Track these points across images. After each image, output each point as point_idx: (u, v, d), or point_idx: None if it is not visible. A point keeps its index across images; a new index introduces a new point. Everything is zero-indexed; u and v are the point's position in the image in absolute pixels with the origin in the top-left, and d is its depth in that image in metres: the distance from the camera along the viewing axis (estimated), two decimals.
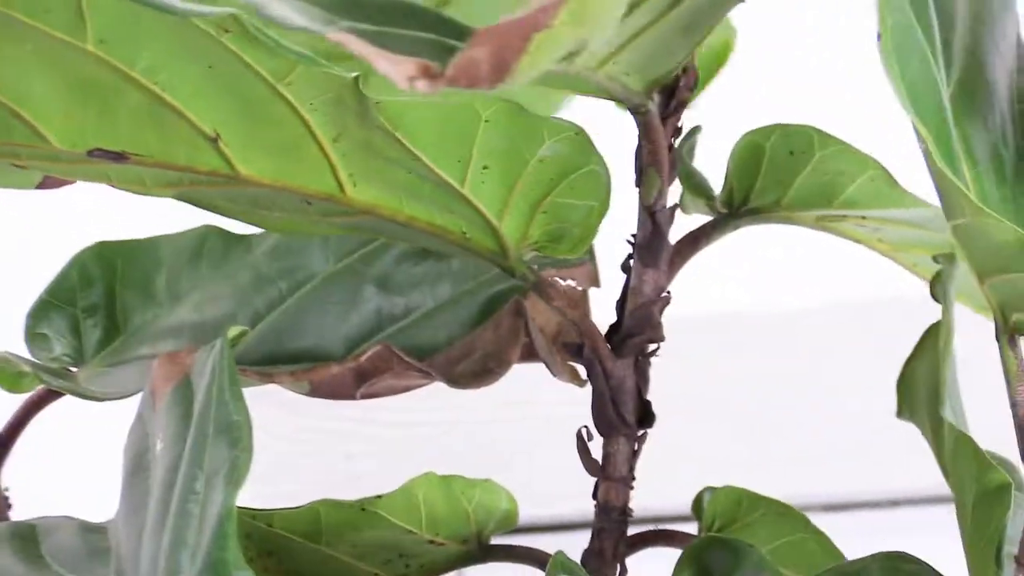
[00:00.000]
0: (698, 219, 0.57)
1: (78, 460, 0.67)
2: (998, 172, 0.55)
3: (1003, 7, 0.57)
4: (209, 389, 0.51)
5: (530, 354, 0.59)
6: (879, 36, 0.49)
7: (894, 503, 0.86)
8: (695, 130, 0.56)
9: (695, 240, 0.57)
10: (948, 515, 0.56)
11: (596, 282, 0.60)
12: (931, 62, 0.53)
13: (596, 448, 0.56)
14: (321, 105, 0.52)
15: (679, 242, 0.56)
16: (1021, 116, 0.57)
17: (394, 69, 0.42)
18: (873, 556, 0.54)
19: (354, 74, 0.51)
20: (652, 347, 0.56)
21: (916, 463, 0.56)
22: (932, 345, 0.55)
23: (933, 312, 0.52)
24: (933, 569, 0.55)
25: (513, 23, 0.42)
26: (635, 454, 0.56)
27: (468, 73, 0.44)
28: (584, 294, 0.59)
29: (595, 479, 0.56)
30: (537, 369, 0.59)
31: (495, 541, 0.59)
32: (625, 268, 0.56)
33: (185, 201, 0.54)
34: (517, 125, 0.54)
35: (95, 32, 0.50)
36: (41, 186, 0.57)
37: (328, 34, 0.48)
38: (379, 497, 0.58)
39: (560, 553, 0.55)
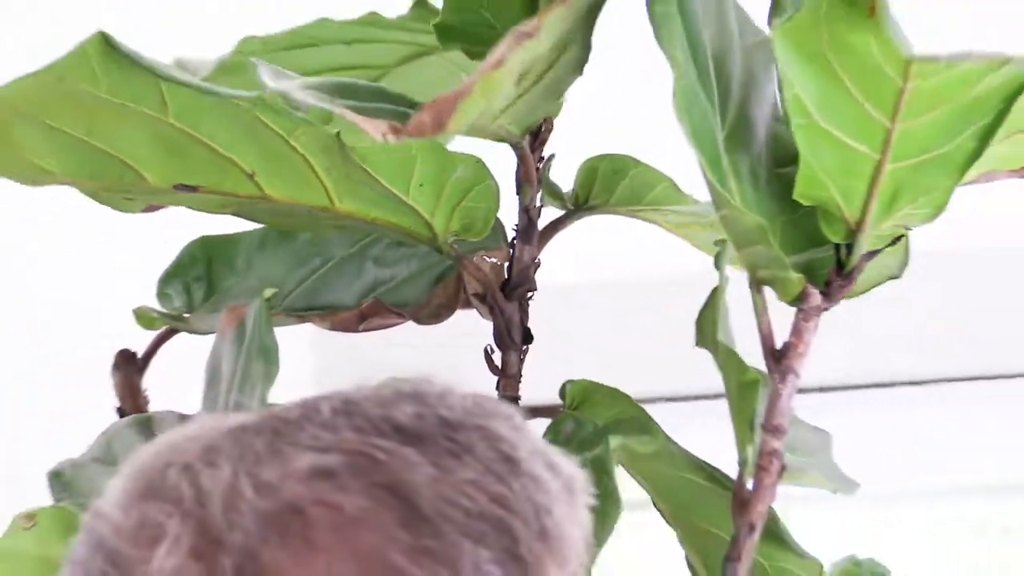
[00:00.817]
0: (556, 213, 0.90)
1: (185, 373, 1.03)
2: (754, 184, 0.86)
3: (767, 77, 0.87)
4: (253, 327, 0.86)
5: (465, 304, 0.93)
6: (674, 95, 0.81)
7: (695, 397, 1.15)
8: (551, 157, 0.89)
9: (555, 227, 0.90)
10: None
11: (508, 258, 0.93)
12: (710, 114, 0.84)
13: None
14: (317, 150, 0.86)
15: (544, 228, 0.89)
16: (772, 147, 0.87)
17: (373, 128, 0.77)
18: None
19: (336, 131, 0.85)
20: (529, 294, 0.89)
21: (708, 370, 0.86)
22: (715, 298, 0.86)
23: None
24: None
25: (446, 97, 0.78)
26: (521, 362, 0.89)
27: (418, 129, 0.79)
28: (499, 266, 0.92)
29: (496, 378, 0.89)
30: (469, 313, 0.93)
31: None
32: (511, 246, 0.89)
33: (235, 215, 0.89)
34: (439, 158, 0.87)
35: (174, 110, 0.86)
36: (145, 210, 0.93)
37: (332, 108, 0.83)
38: None
39: None
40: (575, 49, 0.83)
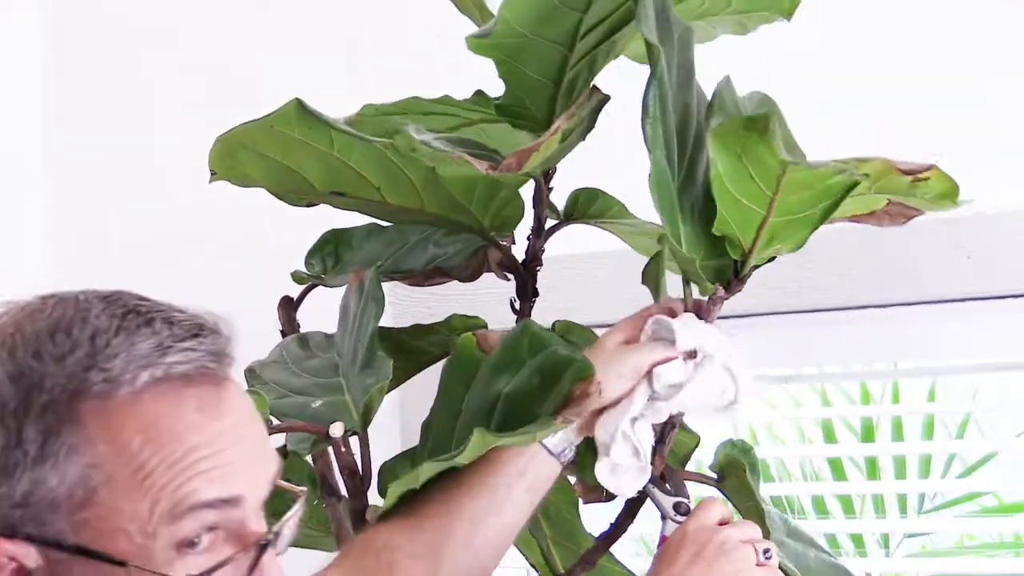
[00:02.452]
0: (553, 221, 1.45)
1: (321, 311, 1.53)
2: (693, 217, 1.30)
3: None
4: (368, 284, 1.38)
5: (489, 270, 1.47)
6: (650, 177, 1.27)
7: None
8: (551, 188, 1.42)
9: (553, 229, 1.44)
10: None
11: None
12: (669, 176, 1.27)
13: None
14: (417, 175, 1.35)
15: (548, 229, 1.44)
16: (705, 190, 1.31)
17: (480, 165, 1.27)
18: None
19: (432, 166, 1.36)
20: (537, 268, 1.44)
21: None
22: (657, 257, 1.37)
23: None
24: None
25: (525, 149, 1.29)
26: (531, 308, 1.43)
27: (507, 167, 1.30)
28: (513, 254, 1.46)
29: (516, 317, 1.43)
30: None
31: None
32: (528, 239, 1.44)
33: (363, 213, 1.41)
34: (490, 184, 1.37)
35: (336, 147, 1.33)
36: (306, 205, 1.42)
37: (454, 153, 1.31)
38: None
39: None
40: (586, 124, 1.33)
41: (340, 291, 1.44)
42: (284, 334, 1.49)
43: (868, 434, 3.09)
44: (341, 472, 1.28)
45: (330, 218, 1.49)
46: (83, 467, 0.93)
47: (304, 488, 1.05)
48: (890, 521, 3.09)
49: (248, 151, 1.35)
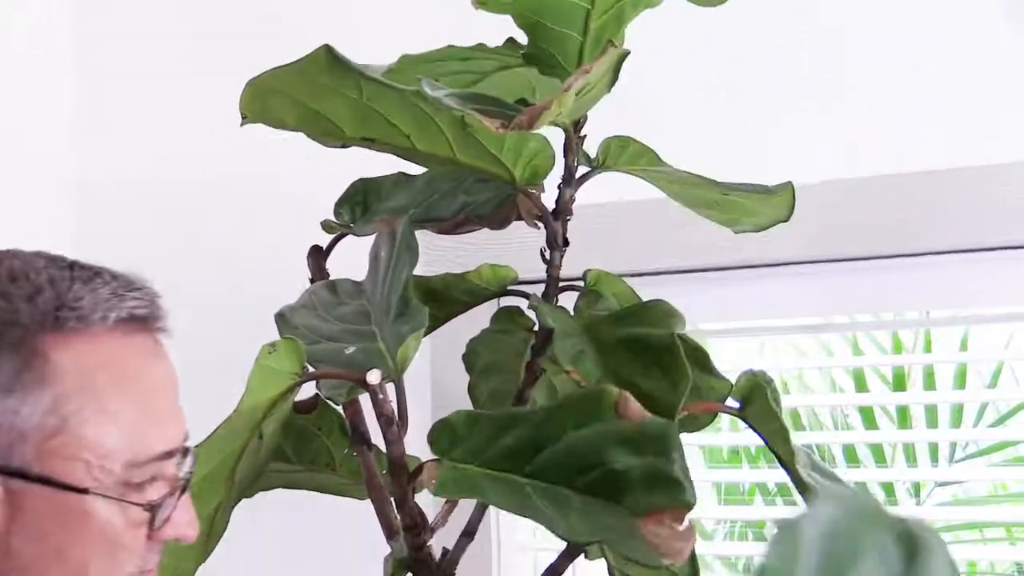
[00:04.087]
0: (584, 170, 1.45)
1: (350, 260, 1.53)
2: None
3: None
4: (401, 232, 1.39)
5: (519, 218, 1.48)
6: None
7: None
8: (584, 136, 1.43)
9: (584, 177, 1.44)
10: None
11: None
12: None
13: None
14: (448, 124, 1.36)
15: (578, 178, 1.44)
16: None
17: (490, 123, 1.28)
18: None
19: (461, 114, 1.36)
20: (568, 217, 1.44)
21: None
22: None
23: None
24: None
25: (536, 107, 1.30)
26: (562, 256, 1.44)
27: (518, 125, 1.31)
28: (543, 203, 1.46)
29: (546, 266, 1.44)
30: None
31: None
32: (559, 187, 1.44)
33: (396, 156, 1.41)
34: (523, 135, 1.38)
35: (365, 94, 1.34)
36: (341, 147, 1.43)
37: (466, 109, 1.32)
38: None
39: (534, 295, 1.43)
40: (608, 79, 1.32)
41: (369, 240, 1.44)
42: (312, 282, 1.50)
43: (900, 383, 3.08)
44: (378, 420, 1.28)
45: (360, 167, 1.49)
46: (53, 398, 1.00)
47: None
48: (921, 470, 3.09)
49: (279, 96, 1.36)
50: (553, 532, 1.21)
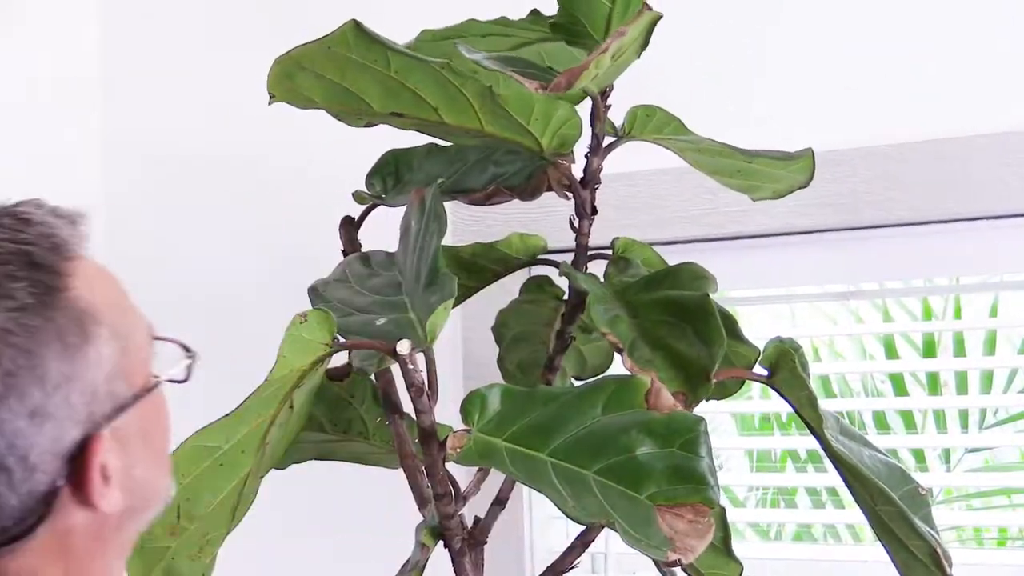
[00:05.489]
0: (611, 139, 1.45)
1: (388, 226, 1.54)
2: None
3: None
4: (430, 202, 1.39)
5: (549, 188, 1.48)
6: None
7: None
8: (610, 105, 1.43)
9: (611, 146, 1.44)
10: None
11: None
12: None
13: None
14: (475, 95, 1.35)
15: (605, 147, 1.44)
16: None
17: (531, 85, 1.29)
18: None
19: (489, 84, 1.37)
20: (596, 186, 1.44)
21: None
22: None
23: None
24: None
25: (574, 69, 1.31)
26: (590, 225, 1.44)
27: (556, 87, 1.32)
28: (572, 172, 1.46)
29: (575, 234, 1.44)
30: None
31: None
32: (586, 156, 1.44)
33: (423, 132, 1.41)
34: (548, 103, 1.37)
35: (394, 68, 1.34)
36: (365, 126, 1.43)
37: (506, 71, 1.33)
38: None
39: (564, 263, 1.43)
40: (640, 43, 1.33)
41: (401, 211, 1.45)
42: (345, 254, 1.51)
43: (930, 350, 3.08)
44: (408, 389, 1.29)
45: (391, 139, 1.50)
46: (104, 327, 1.02)
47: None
48: (951, 436, 3.08)
49: (306, 73, 1.36)
50: (562, 510, 1.22)
